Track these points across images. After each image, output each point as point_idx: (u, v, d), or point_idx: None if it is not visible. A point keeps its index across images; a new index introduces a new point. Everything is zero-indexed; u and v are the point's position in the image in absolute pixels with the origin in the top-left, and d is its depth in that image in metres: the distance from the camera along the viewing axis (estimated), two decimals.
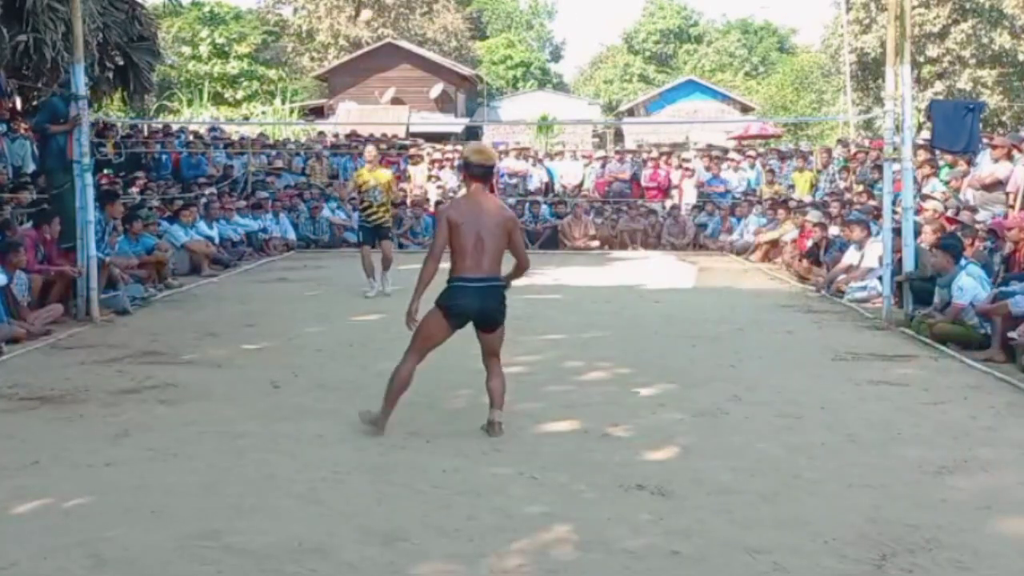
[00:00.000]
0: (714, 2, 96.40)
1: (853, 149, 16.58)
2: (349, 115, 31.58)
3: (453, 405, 5.95)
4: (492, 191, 21.32)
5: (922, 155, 11.78)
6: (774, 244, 14.57)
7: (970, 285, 7.91)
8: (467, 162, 5.35)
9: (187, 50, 37.40)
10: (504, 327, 5.23)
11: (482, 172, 5.27)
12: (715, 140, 26.91)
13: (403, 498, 4.27)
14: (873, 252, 10.51)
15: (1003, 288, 7.77)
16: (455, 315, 5.11)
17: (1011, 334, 7.15)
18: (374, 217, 10.72)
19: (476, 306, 5.08)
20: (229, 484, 4.45)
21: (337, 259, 14.93)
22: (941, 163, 12.68)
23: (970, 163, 11.74)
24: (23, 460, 4.77)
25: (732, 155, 19.78)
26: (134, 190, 14.88)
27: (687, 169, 18.44)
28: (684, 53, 61.43)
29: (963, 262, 8.20)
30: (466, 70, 40.01)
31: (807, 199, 16.15)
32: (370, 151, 11.44)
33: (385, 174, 11.08)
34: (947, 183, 12.09)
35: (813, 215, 13.38)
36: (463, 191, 19.21)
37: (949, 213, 10.66)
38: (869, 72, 30.07)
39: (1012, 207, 10.28)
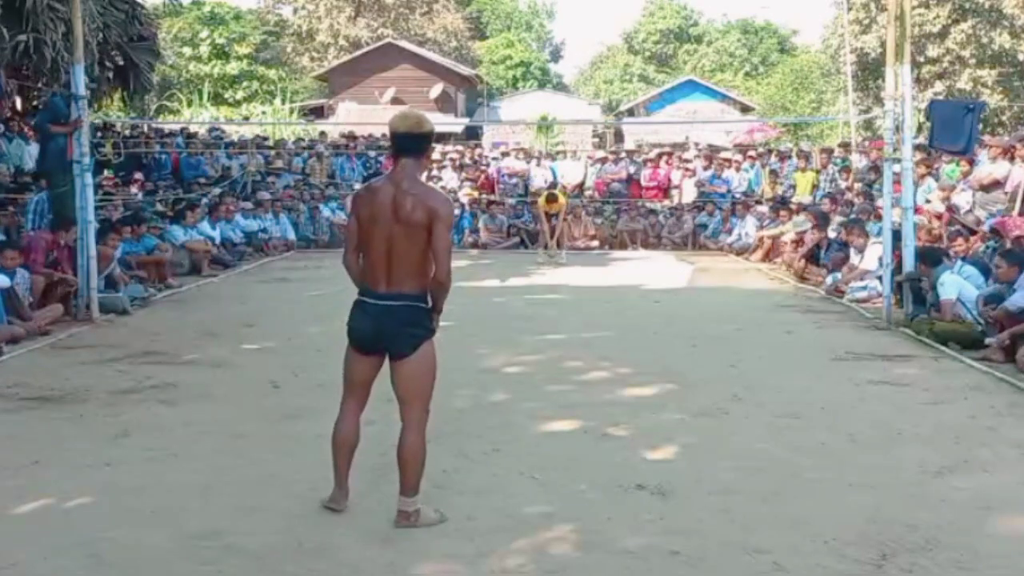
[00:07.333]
0: (714, 2, 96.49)
1: (864, 148, 16.56)
2: (349, 115, 31.55)
3: (453, 405, 5.94)
4: (491, 187, 21.52)
5: (917, 155, 11.75)
6: (775, 240, 14.54)
7: (951, 280, 7.98)
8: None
9: (187, 50, 37.39)
10: (424, 364, 3.97)
11: (402, 143, 3.97)
12: (715, 140, 26.86)
13: None
14: (871, 254, 10.51)
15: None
16: (353, 340, 4.06)
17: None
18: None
19: (370, 328, 3.94)
20: (229, 484, 4.45)
21: (337, 259, 14.87)
22: (944, 162, 12.66)
23: (971, 162, 11.73)
24: (23, 460, 4.77)
25: (733, 155, 19.74)
26: (134, 190, 14.88)
27: (687, 169, 18.44)
28: (684, 53, 61.36)
29: (958, 263, 8.28)
30: (466, 70, 39.93)
31: (807, 199, 16.12)
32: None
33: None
34: (933, 193, 12.08)
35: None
36: (464, 190, 19.47)
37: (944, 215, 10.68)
38: (869, 72, 30.01)
39: (1012, 208, 10.28)
